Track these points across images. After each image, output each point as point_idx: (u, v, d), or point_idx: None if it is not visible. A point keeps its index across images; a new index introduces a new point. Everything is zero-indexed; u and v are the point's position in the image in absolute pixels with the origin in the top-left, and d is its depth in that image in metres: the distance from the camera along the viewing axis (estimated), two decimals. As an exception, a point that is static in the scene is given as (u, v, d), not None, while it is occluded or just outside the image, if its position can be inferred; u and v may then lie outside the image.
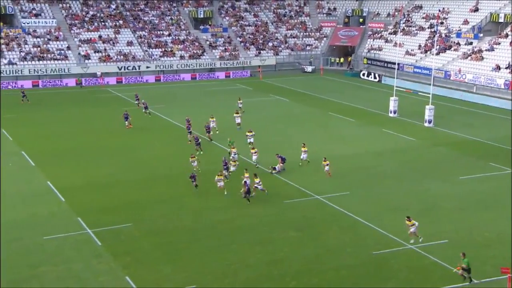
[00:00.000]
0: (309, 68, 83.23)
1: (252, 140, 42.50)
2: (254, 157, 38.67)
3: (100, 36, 78.32)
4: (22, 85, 67.31)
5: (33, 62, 71.42)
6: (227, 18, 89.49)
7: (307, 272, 24.98)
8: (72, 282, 23.92)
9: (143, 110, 54.16)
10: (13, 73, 69.44)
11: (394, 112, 55.21)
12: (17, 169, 38.19)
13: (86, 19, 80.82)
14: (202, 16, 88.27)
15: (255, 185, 33.29)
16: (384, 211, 31.96)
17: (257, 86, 71.78)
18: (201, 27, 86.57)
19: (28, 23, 76.72)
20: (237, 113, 50.04)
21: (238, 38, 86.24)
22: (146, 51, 78.52)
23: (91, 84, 71.27)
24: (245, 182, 33.05)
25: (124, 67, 74.91)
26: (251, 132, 43.10)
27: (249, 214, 31.33)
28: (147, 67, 76.13)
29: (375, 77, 76.58)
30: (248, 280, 24.53)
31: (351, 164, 40.20)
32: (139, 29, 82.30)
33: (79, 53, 74.58)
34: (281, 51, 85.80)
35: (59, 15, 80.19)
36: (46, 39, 75.33)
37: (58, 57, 73.22)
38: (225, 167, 36.38)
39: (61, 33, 76.92)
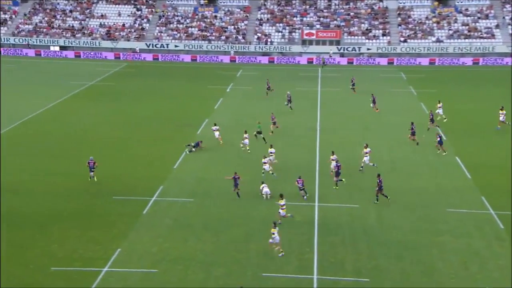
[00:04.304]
0: None
1: None
2: (366, 158, 32.42)
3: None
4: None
5: (458, 40, 70.33)
6: None
7: None
8: (471, 257, 23.08)
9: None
10: (438, 50, 69.69)
11: None
12: (427, 142, 37.28)
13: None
14: None
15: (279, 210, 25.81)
16: None
17: None
18: None
19: (461, 2, 75.24)
20: (502, 109, 40.53)
21: None
22: None
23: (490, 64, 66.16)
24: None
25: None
26: None
27: None
28: None
29: None
30: None
31: None
32: None
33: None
34: None
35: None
36: (476, 17, 72.94)
37: (485, 35, 70.09)
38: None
39: (492, 11, 73.08)
